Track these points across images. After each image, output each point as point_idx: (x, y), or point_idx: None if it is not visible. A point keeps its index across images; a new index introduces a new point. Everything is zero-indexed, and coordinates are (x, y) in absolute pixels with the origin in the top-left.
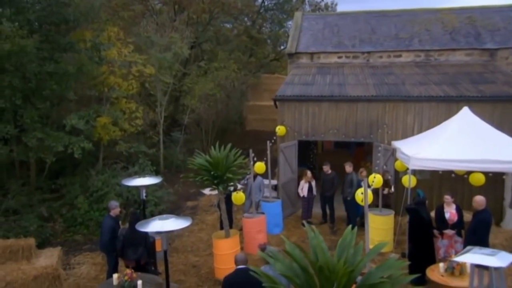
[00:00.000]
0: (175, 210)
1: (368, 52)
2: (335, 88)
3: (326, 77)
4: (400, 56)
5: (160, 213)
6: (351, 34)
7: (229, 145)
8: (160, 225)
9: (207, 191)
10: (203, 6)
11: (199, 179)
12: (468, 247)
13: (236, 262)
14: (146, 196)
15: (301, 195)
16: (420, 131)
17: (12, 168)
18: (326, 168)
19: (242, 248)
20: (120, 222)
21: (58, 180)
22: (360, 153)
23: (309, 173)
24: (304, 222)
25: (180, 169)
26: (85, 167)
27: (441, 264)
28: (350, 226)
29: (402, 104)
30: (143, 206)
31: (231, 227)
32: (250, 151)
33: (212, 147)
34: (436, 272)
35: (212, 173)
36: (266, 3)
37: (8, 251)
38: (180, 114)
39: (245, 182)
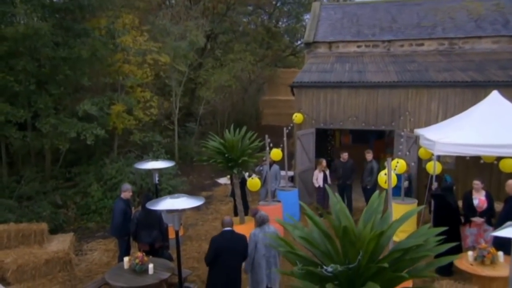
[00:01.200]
0: None
1: (389, 41)
2: (355, 75)
3: (345, 65)
4: (422, 44)
5: None
6: (371, 23)
7: (244, 128)
8: (171, 203)
9: (222, 180)
10: None
11: (212, 161)
12: (509, 222)
13: (223, 225)
14: (158, 180)
15: (316, 185)
16: (445, 118)
17: (27, 156)
18: (344, 156)
19: None
20: (132, 208)
21: (72, 169)
22: (380, 145)
23: (324, 161)
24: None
25: (194, 160)
26: (99, 157)
27: (470, 253)
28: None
29: (426, 90)
30: (155, 190)
31: (246, 214)
32: (266, 136)
33: (227, 130)
34: (464, 261)
35: (226, 155)
36: None
37: (20, 235)
38: (196, 105)
39: (260, 168)
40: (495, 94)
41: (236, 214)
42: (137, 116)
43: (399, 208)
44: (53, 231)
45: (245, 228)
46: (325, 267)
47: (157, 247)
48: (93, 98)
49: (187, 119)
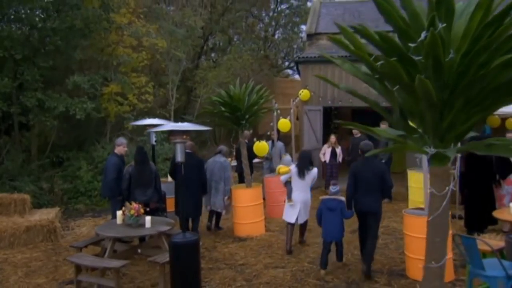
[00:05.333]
0: None
1: (394, 32)
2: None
3: None
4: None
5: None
6: (373, 17)
7: (251, 81)
8: (175, 126)
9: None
10: None
11: (218, 110)
12: None
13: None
14: (156, 141)
15: (323, 159)
16: None
17: (11, 130)
18: (356, 131)
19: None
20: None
21: (60, 153)
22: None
23: (333, 137)
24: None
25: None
26: (90, 142)
27: None
28: None
29: None
30: (152, 152)
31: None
32: (273, 101)
33: (232, 85)
34: (506, 213)
35: (234, 105)
36: (280, 7)
37: None
38: (193, 103)
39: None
40: None
41: (240, 181)
42: (131, 101)
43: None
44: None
45: (251, 192)
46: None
47: (153, 208)
48: (85, 75)
49: (185, 111)
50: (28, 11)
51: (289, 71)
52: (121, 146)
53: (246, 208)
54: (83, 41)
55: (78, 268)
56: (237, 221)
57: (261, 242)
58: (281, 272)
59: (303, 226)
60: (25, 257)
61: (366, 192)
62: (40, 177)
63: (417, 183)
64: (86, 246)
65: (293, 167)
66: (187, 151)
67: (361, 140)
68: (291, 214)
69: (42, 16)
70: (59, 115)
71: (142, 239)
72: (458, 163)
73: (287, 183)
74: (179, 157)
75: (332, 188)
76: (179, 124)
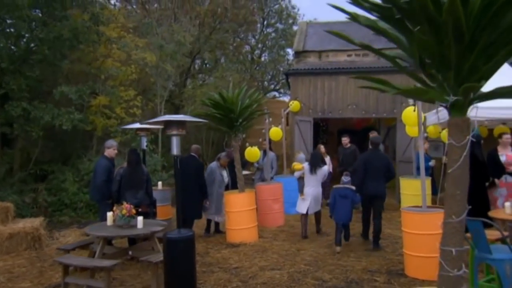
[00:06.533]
0: None
1: (380, 49)
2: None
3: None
4: None
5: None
6: (359, 36)
7: (244, 86)
8: (171, 117)
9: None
10: (206, 9)
11: (211, 113)
12: None
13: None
14: (146, 146)
15: None
16: None
17: None
18: (346, 140)
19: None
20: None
21: (44, 166)
22: None
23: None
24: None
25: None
26: (76, 155)
27: (507, 204)
28: None
29: None
30: (143, 157)
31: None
32: (266, 109)
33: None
34: (501, 212)
35: (227, 106)
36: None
37: None
38: None
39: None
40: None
41: (234, 186)
42: (118, 115)
43: (410, 184)
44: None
45: (244, 197)
46: None
47: (143, 212)
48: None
49: None
50: (14, 20)
51: (276, 93)
52: (111, 149)
53: (239, 213)
54: (72, 52)
55: (66, 270)
56: (229, 227)
57: (255, 248)
58: (278, 273)
59: (317, 217)
60: (7, 264)
61: (374, 178)
62: (23, 190)
63: (410, 190)
64: (74, 249)
65: (305, 165)
66: (191, 154)
67: (351, 150)
68: (303, 206)
69: (30, 26)
70: (45, 125)
71: (133, 242)
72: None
73: (300, 179)
74: (175, 150)
75: (344, 179)
76: (175, 116)
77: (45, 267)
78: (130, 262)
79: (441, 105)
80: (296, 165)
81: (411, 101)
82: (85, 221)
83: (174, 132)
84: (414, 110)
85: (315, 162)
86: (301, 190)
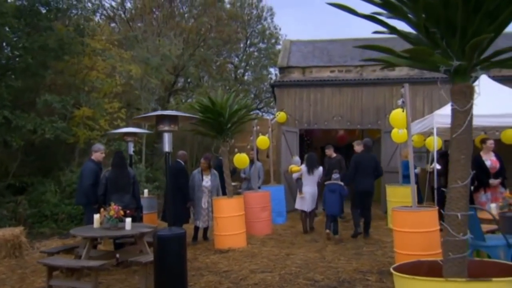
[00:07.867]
0: None
1: (361, 66)
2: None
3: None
4: (394, 70)
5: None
6: (341, 54)
7: (233, 93)
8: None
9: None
10: (191, 26)
11: (202, 117)
12: None
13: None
14: (134, 151)
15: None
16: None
17: None
18: (330, 152)
19: None
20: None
21: (24, 178)
22: None
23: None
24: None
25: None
26: (58, 168)
27: (493, 205)
28: None
29: (410, 87)
30: (130, 162)
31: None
32: (254, 122)
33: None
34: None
35: (216, 110)
36: (249, 50)
37: None
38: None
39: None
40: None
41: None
42: (102, 127)
43: (396, 192)
44: None
45: (233, 202)
46: None
47: (130, 215)
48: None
49: (157, 141)
50: None
51: (258, 112)
52: (99, 152)
53: (228, 218)
54: (56, 63)
55: (50, 273)
56: (217, 233)
57: (244, 253)
58: (269, 275)
59: (311, 215)
60: None
61: (365, 176)
62: (1, 203)
63: (396, 197)
64: (58, 253)
65: (303, 166)
66: (177, 160)
67: (337, 161)
68: (301, 204)
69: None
70: (26, 135)
71: (119, 246)
72: (435, 163)
73: (298, 180)
74: (167, 147)
75: (334, 175)
76: (167, 111)
77: (27, 273)
78: (115, 268)
79: (445, 69)
80: (293, 167)
81: (399, 102)
82: (67, 232)
83: (166, 128)
84: (403, 111)
85: (312, 164)
86: (299, 190)
